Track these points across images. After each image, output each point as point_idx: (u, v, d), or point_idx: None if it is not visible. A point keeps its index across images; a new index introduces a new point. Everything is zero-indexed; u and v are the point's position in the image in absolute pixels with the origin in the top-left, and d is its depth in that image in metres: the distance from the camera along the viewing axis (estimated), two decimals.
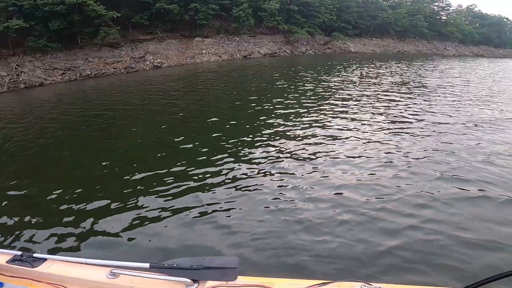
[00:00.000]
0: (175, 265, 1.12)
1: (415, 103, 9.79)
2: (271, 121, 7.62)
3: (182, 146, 6.01)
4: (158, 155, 5.58)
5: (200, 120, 7.98)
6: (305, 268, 2.68)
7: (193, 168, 4.80)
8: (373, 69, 20.12)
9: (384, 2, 45.35)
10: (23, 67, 17.88)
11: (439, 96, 11.21)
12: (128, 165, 5.12)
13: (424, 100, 10.30)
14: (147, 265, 1.13)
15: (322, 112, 8.48)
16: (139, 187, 4.27)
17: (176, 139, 6.37)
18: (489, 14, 56.90)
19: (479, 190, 4.07)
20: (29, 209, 3.85)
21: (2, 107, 12.20)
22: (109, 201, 3.91)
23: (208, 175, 4.57)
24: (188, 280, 1.12)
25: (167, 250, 2.93)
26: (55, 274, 1.20)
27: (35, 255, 1.26)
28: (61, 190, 4.24)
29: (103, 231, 3.30)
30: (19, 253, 1.28)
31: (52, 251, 2.94)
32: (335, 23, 37.16)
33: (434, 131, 6.72)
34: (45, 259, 1.26)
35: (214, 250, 2.95)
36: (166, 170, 4.76)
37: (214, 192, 4.06)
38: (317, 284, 1.12)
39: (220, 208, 3.69)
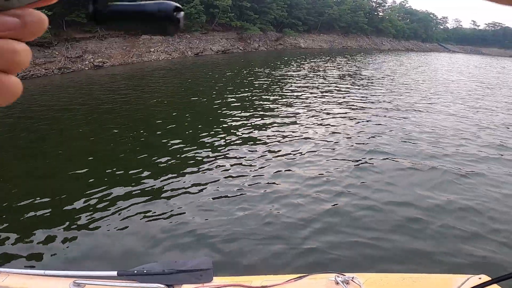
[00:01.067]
0: (145, 271, 1.05)
1: (356, 92, 10.92)
2: (223, 115, 7.73)
3: (133, 144, 5.80)
4: (107, 155, 5.28)
5: (150, 119, 7.65)
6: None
7: (144, 166, 4.66)
8: (321, 63, 21.33)
9: None
10: None
11: (375, 86, 12.61)
12: (77, 168, 4.71)
13: (363, 90, 11.61)
14: (114, 273, 1.05)
15: (271, 104, 8.91)
16: (87, 191, 3.97)
17: (125, 138, 6.09)
18: (418, 10, 63.75)
19: (407, 163, 4.83)
20: None
21: None
22: (60, 207, 3.61)
23: (159, 171, 4.49)
24: (162, 286, 1.04)
25: (129, 256, 2.77)
26: None
27: None
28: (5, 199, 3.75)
29: (60, 240, 3.00)
30: None
31: (4, 264, 2.59)
32: (286, 19, 38.25)
33: (369, 116, 7.71)
34: None
35: (174, 248, 2.90)
36: (117, 171, 4.54)
37: (166, 190, 4.00)
38: (293, 278, 1.15)
39: (173, 204, 3.66)
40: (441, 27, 71.05)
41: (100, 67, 21.26)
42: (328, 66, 19.80)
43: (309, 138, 5.99)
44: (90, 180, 4.32)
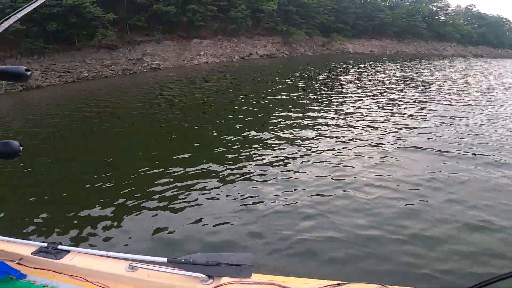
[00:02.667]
0: (191, 260, 1.11)
1: (413, 100, 10.10)
2: (277, 118, 7.77)
3: (196, 140, 6.13)
4: (171, 154, 5.59)
5: (206, 120, 8.00)
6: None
7: (209, 166, 4.85)
8: (372, 69, 20.31)
9: (383, 3, 45.63)
10: None
11: (431, 91, 11.74)
12: (150, 162, 5.11)
13: (417, 94, 10.86)
14: (164, 259, 1.12)
15: (325, 109, 8.68)
16: (158, 183, 4.30)
17: (190, 134, 6.52)
18: (488, 14, 57.30)
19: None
20: (53, 202, 4.02)
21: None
22: (130, 196, 3.96)
23: (222, 171, 4.65)
24: (203, 276, 1.10)
25: (182, 245, 2.97)
26: (77, 266, 1.20)
27: (59, 247, 1.25)
28: (86, 186, 4.32)
29: (125, 224, 3.37)
30: (45, 244, 1.25)
31: (75, 243, 2.97)
32: (333, 24, 37.31)
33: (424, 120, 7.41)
34: (68, 251, 1.25)
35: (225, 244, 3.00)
36: (183, 167, 4.79)
37: (229, 188, 4.12)
38: (332, 285, 1.09)
39: (230, 201, 3.73)
40: None
41: (157, 69, 23.12)
42: (379, 71, 18.88)
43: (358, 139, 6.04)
44: (157, 170, 4.67)
